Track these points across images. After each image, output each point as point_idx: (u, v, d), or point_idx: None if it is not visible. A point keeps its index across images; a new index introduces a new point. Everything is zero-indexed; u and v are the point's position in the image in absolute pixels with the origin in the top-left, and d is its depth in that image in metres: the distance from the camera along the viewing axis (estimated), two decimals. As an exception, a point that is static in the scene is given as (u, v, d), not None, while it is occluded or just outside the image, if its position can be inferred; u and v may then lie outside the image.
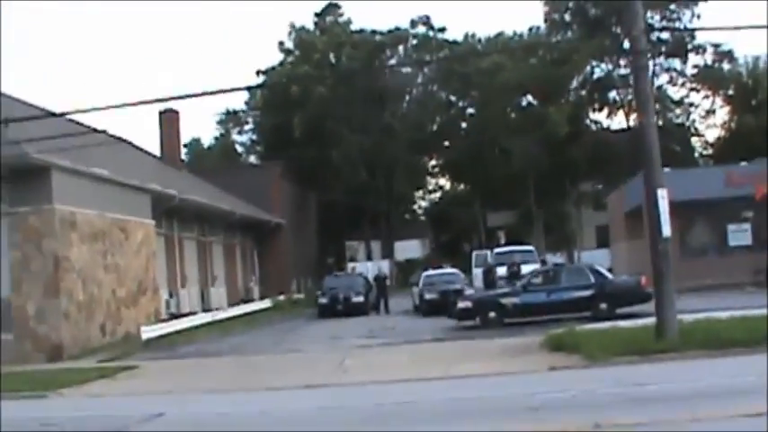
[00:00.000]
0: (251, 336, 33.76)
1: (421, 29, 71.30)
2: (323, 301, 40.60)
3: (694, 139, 72.76)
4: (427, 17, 70.63)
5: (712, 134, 72.54)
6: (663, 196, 21.76)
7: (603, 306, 28.59)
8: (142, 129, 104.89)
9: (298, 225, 62.77)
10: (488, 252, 45.64)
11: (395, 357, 23.55)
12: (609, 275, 30.11)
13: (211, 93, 23.18)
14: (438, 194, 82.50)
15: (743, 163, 43.52)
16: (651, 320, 22.04)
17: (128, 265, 33.45)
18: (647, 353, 19.45)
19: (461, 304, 29.73)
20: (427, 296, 37.24)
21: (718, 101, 70.34)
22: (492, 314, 29.09)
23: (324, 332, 32.93)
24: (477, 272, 45.04)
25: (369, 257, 69.57)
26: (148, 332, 30.82)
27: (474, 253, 49.28)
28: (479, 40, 74.27)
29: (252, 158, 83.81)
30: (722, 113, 71.34)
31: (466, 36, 73.04)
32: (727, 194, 41.81)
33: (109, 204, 32.14)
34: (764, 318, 21.04)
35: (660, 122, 67.51)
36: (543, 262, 44.35)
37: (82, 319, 29.42)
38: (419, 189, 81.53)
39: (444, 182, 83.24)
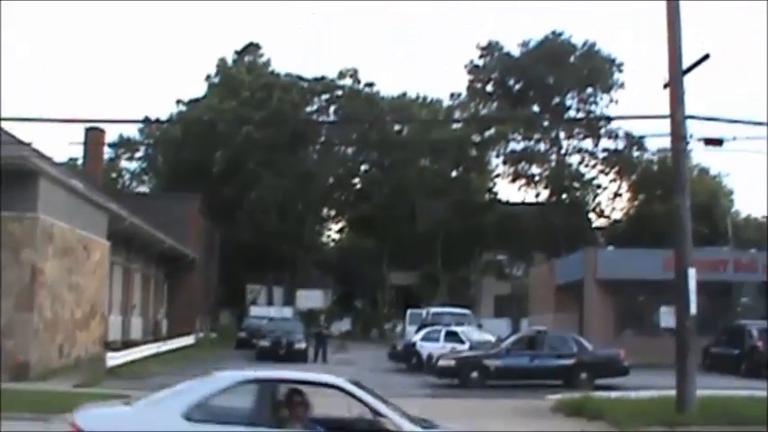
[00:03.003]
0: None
1: (348, 81, 71.14)
2: (264, 343, 39.50)
3: (600, 221, 74.37)
4: (355, 70, 70.75)
5: (615, 217, 74.24)
6: (692, 276, 21.98)
7: (583, 376, 28.61)
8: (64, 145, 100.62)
9: (204, 262, 61.34)
10: (423, 312, 45.39)
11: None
12: (589, 346, 30.16)
13: (138, 121, 22.38)
14: (336, 245, 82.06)
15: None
16: (664, 392, 22.55)
17: (86, 285, 31.98)
18: (672, 424, 19.57)
19: (443, 362, 29.39)
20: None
21: (624, 185, 72.22)
22: (474, 374, 28.82)
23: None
24: (411, 329, 44.80)
25: (270, 302, 68.48)
26: (113, 359, 29.29)
27: (409, 311, 49.05)
28: (410, 99, 74.61)
29: (142, 188, 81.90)
30: (626, 198, 73.27)
31: (404, 95, 73.36)
32: (664, 277, 42.68)
33: (77, 220, 30.67)
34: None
35: (567, 199, 69.54)
36: (479, 326, 44.54)
37: (47, 339, 27.82)
38: (323, 238, 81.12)
39: (341, 235, 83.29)
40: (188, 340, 44.84)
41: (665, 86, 22.13)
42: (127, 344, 35.65)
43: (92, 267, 32.75)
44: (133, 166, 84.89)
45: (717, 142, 21.78)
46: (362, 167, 76.04)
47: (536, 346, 29.69)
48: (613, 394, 23.69)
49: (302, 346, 39.53)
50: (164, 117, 78.65)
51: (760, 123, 22.10)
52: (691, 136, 22.08)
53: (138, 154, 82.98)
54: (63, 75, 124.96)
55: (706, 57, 20.95)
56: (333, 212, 79.11)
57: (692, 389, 21.06)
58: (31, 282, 26.38)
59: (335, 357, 40.89)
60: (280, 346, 39.07)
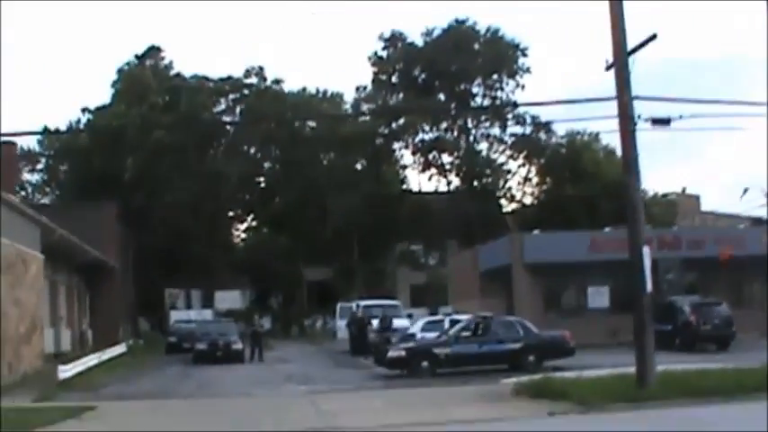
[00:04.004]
0: (156, 378, 32.48)
1: (254, 79, 70.89)
2: (201, 346, 39.37)
3: (512, 206, 75.36)
4: (261, 68, 70.53)
5: (526, 201, 75.22)
6: (647, 253, 22.54)
7: (531, 358, 29.38)
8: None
9: (122, 269, 60.57)
10: (353, 305, 45.58)
11: (370, 403, 23.20)
12: (535, 330, 30.85)
13: (51, 132, 22.38)
14: (248, 244, 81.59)
15: (606, 229, 45.69)
16: (620, 370, 23.53)
17: (26, 299, 31.46)
18: (635, 400, 20.33)
19: (394, 353, 29.71)
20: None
21: (533, 170, 73.32)
22: (425, 363, 29.22)
23: (235, 377, 32.06)
24: (341, 324, 45.04)
25: (189, 306, 67.98)
26: (64, 372, 28.96)
27: (338, 305, 49.18)
28: (311, 95, 74.48)
29: (45, 200, 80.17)
30: (536, 182, 74.32)
31: (304, 90, 73.19)
32: (590, 258, 43.89)
33: (14, 234, 30.16)
34: (725, 370, 22.67)
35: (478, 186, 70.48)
36: (410, 316, 45.00)
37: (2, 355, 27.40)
38: (235, 239, 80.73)
39: (249, 234, 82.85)
40: (120, 349, 44.37)
41: (608, 68, 22.63)
42: (62, 356, 35.10)
43: (30, 281, 32.28)
44: (35, 178, 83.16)
45: (664, 122, 22.42)
46: (268, 165, 75.89)
47: (483, 333, 30.17)
48: (569, 374, 24.20)
49: (239, 346, 39.56)
50: (63, 126, 77.27)
51: (707, 101, 22.73)
52: (639, 116, 22.48)
53: (39, 165, 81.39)
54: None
55: (653, 37, 21.48)
56: (241, 212, 78.68)
57: (651, 365, 21.77)
58: (-21, 301, 25.94)
59: (268, 356, 40.97)
60: (217, 347, 39.05)
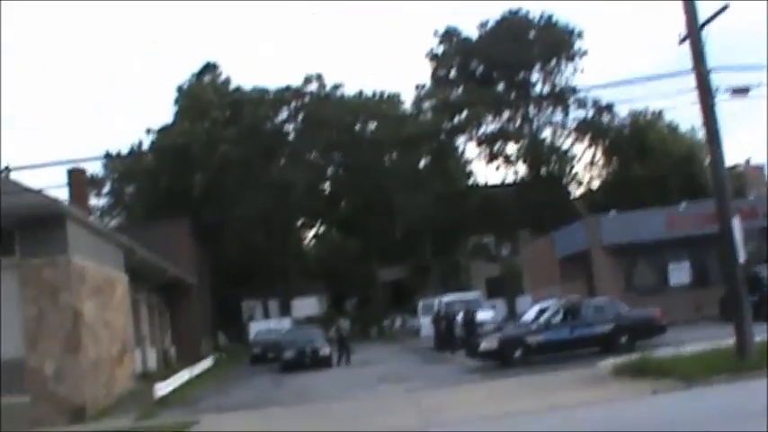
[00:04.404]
0: (250, 389, 32.68)
1: (314, 86, 71.16)
2: (288, 355, 39.51)
3: (579, 191, 75.03)
4: (319, 75, 70.86)
5: (593, 185, 74.78)
6: (737, 225, 22.33)
7: (624, 339, 29.12)
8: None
9: (199, 285, 61.16)
10: (435, 301, 45.54)
11: (470, 395, 23.14)
12: (625, 310, 30.52)
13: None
14: (320, 250, 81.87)
15: (682, 205, 45.20)
16: (716, 343, 23.50)
17: (115, 321, 31.89)
18: (737, 372, 20.17)
19: (486, 345, 29.59)
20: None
21: (598, 152, 72.90)
22: (518, 353, 29.13)
23: (328, 382, 32.13)
24: (425, 321, 45.00)
25: (266, 316, 68.46)
26: (160, 389, 29.29)
27: (420, 303, 49.23)
28: (368, 97, 74.43)
29: (113, 223, 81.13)
30: (601, 164, 73.86)
31: (360, 93, 73.17)
32: (668, 236, 43.43)
33: (100, 257, 30.60)
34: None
35: (545, 173, 70.12)
36: (492, 307, 44.84)
37: (93, 379, 27.76)
38: (306, 246, 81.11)
39: (315, 241, 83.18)
40: (207, 363, 44.77)
41: (681, 42, 22.49)
42: (149, 375, 35.50)
43: (117, 303, 32.71)
44: (101, 202, 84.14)
45: (743, 91, 22.15)
46: (332, 170, 76.06)
47: (574, 317, 29.93)
48: (667, 352, 23.94)
49: (327, 352, 39.65)
50: (125, 149, 78.40)
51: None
52: (717, 88, 22.28)
53: (104, 190, 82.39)
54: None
55: (725, 8, 21.31)
56: (310, 219, 78.92)
57: (749, 336, 21.56)
58: (75, 324, 26.27)
59: (353, 359, 41.02)
60: (305, 355, 39.15)
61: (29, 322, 26.10)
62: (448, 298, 45.09)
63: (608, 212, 47.72)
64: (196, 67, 75.65)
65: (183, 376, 34.85)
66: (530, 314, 31.82)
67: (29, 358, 26.01)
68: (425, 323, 44.88)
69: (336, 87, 71.64)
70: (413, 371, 32.91)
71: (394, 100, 76.45)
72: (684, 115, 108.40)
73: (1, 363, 25.87)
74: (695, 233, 42.46)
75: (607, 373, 23.48)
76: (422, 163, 73.46)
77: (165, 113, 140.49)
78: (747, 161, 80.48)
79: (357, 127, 70.23)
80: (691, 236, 42.87)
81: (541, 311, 30.64)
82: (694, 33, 21.88)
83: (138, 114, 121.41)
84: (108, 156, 72.45)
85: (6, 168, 25.83)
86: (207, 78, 74.32)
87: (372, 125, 71.62)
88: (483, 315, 41.78)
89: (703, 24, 21.85)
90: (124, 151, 76.72)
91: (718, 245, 41.37)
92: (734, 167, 75.42)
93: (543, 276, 52.93)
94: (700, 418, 15.03)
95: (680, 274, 44.46)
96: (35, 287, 26.16)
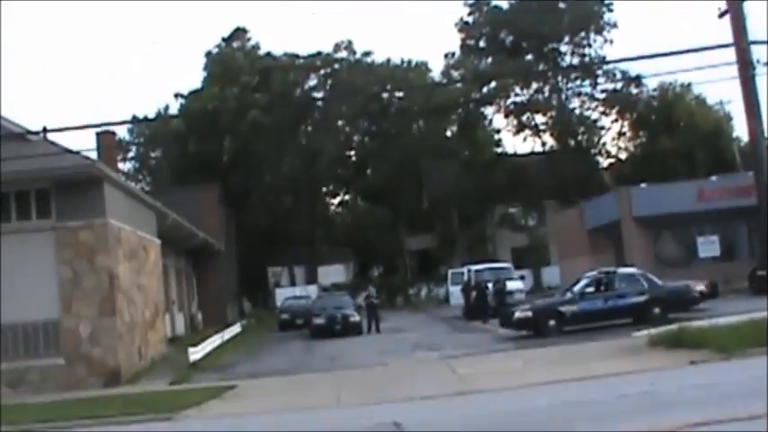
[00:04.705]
0: (282, 355, 32.79)
1: (343, 53, 70.92)
2: (319, 321, 39.54)
3: (607, 162, 74.73)
4: (350, 41, 70.62)
5: (621, 156, 74.41)
6: (774, 199, 22.17)
7: (657, 311, 28.99)
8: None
9: (226, 251, 61.31)
10: (465, 270, 45.42)
11: (507, 364, 23.13)
12: (659, 282, 30.40)
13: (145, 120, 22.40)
14: (348, 217, 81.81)
15: (713, 178, 45.05)
16: (749, 316, 23.40)
17: (149, 285, 32.01)
18: (772, 343, 20.06)
19: (520, 314, 29.55)
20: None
21: (626, 124, 72.50)
22: (552, 322, 29.08)
23: (361, 349, 32.16)
24: (455, 290, 44.94)
25: (293, 283, 68.62)
26: (194, 354, 29.40)
27: (450, 271, 49.07)
28: (396, 65, 74.02)
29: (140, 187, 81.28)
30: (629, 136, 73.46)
31: (388, 61, 72.78)
32: (698, 208, 43.28)
33: (134, 221, 30.66)
34: None
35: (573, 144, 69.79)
36: (522, 277, 44.76)
37: (128, 342, 27.90)
38: (333, 213, 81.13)
39: (344, 209, 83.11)
40: (236, 329, 44.93)
41: (721, 15, 22.45)
42: (178, 340, 35.67)
43: (150, 267, 32.85)
44: (127, 166, 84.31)
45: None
46: (359, 138, 75.89)
47: (607, 287, 29.85)
48: (699, 323, 23.81)
49: (357, 319, 39.66)
50: (151, 113, 78.43)
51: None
52: (758, 61, 22.22)
53: (130, 154, 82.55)
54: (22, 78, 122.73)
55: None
56: (336, 187, 78.89)
57: (784, 309, 21.53)
58: (110, 287, 26.36)
59: (382, 327, 41.02)
60: (335, 321, 39.14)
61: (64, 284, 26.24)
62: (478, 267, 44.97)
63: (636, 185, 47.57)
64: (225, 33, 75.32)
65: (214, 341, 34.92)
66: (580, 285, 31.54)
67: (63, 320, 26.21)
68: (455, 292, 44.75)
69: (367, 54, 71.35)
70: (445, 339, 32.93)
71: (422, 68, 76.06)
72: (711, 90, 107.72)
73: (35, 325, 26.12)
74: (725, 206, 42.37)
75: (642, 343, 23.46)
76: (449, 132, 73.15)
77: (193, 80, 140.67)
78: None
79: (385, 95, 69.76)
80: (720, 209, 42.75)
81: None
82: (735, 8, 21.81)
83: (165, 81, 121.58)
84: (135, 119, 72.55)
85: (44, 129, 25.62)
86: (236, 44, 74.18)
87: (400, 93, 71.19)
88: (513, 285, 41.83)
89: (744, -1, 21.86)
90: (151, 116, 76.83)
91: (748, 218, 41.84)
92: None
93: (571, 247, 52.79)
94: (749, 388, 14.90)
95: (710, 247, 44.30)
96: (71, 249, 26.29)
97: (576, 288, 30.11)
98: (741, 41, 21.85)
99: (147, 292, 31.75)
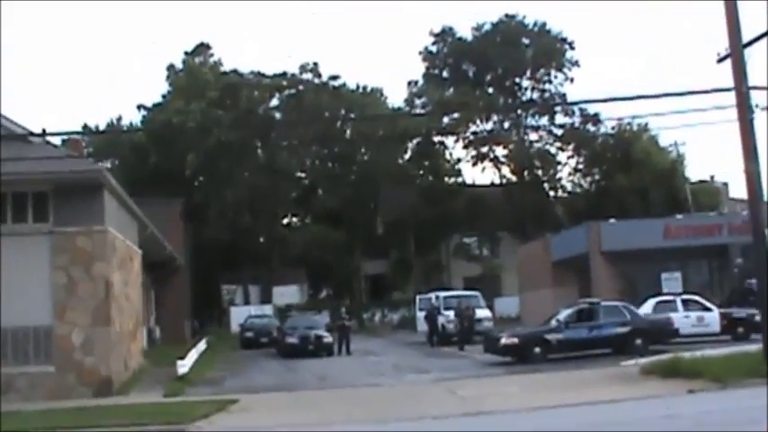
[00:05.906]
0: (264, 372, 32.82)
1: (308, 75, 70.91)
2: (291, 340, 39.44)
3: (562, 197, 75.67)
4: (315, 64, 70.65)
5: (576, 192, 75.26)
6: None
7: (639, 342, 29.72)
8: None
9: (185, 266, 60.70)
10: (433, 296, 45.69)
11: (504, 388, 23.43)
12: (640, 314, 31.17)
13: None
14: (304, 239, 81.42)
15: (679, 216, 46.14)
16: (739, 348, 25.29)
17: (133, 296, 31.83)
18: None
19: (506, 340, 30.02)
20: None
21: (581, 160, 73.44)
22: (537, 350, 29.59)
23: (344, 369, 32.26)
24: (421, 315, 45.15)
25: (247, 301, 68.15)
26: (182, 367, 29.26)
27: (417, 297, 49.15)
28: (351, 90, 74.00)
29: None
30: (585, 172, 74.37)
31: (343, 85, 72.77)
32: (665, 245, 44.22)
33: (123, 229, 30.50)
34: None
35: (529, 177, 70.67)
36: (490, 307, 45.26)
37: (119, 352, 27.71)
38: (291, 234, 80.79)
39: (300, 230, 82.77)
40: (202, 345, 44.64)
41: (721, 60, 23.19)
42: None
43: (134, 278, 32.63)
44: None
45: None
46: (320, 161, 75.75)
47: (592, 317, 30.51)
48: (690, 354, 24.36)
49: (330, 339, 39.76)
50: (103, 124, 77.61)
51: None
52: (757, 106, 22.92)
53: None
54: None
55: (770, 32, 21.99)
56: (295, 207, 78.57)
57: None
58: (106, 296, 26.19)
59: (352, 349, 41.01)
60: (308, 341, 39.14)
61: (58, 290, 26.00)
62: (446, 294, 45.46)
63: (590, 220, 48.50)
64: (187, 48, 74.98)
65: (192, 356, 34.72)
66: (646, 307, 32.53)
67: (56, 327, 25.88)
68: (420, 317, 44.98)
69: (333, 78, 71.32)
70: (425, 363, 33.16)
71: (376, 95, 76.15)
72: (665, 131, 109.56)
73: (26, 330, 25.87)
74: (689, 244, 43.52)
75: (635, 372, 24.12)
76: (408, 159, 73.56)
77: (151, 91, 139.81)
78: (712, 178, 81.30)
79: (339, 120, 70.03)
80: (685, 246, 43.84)
81: (661, 303, 31.56)
82: (737, 52, 22.51)
83: (119, 90, 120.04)
84: (87, 129, 71.71)
85: (44, 132, 25.48)
86: (198, 59, 73.80)
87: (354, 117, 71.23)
88: (481, 313, 42.50)
89: (746, 45, 22.53)
90: (101, 127, 75.83)
91: (710, 257, 42.93)
92: (704, 182, 76.43)
93: (534, 279, 53.38)
94: (750, 416, 15.37)
95: (672, 283, 45.13)
96: (67, 255, 26.07)
97: (562, 317, 30.66)
98: (741, 85, 22.53)
99: (132, 302, 31.56)
